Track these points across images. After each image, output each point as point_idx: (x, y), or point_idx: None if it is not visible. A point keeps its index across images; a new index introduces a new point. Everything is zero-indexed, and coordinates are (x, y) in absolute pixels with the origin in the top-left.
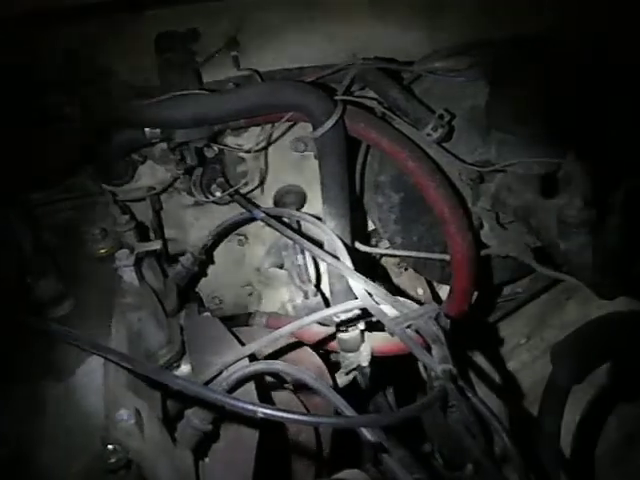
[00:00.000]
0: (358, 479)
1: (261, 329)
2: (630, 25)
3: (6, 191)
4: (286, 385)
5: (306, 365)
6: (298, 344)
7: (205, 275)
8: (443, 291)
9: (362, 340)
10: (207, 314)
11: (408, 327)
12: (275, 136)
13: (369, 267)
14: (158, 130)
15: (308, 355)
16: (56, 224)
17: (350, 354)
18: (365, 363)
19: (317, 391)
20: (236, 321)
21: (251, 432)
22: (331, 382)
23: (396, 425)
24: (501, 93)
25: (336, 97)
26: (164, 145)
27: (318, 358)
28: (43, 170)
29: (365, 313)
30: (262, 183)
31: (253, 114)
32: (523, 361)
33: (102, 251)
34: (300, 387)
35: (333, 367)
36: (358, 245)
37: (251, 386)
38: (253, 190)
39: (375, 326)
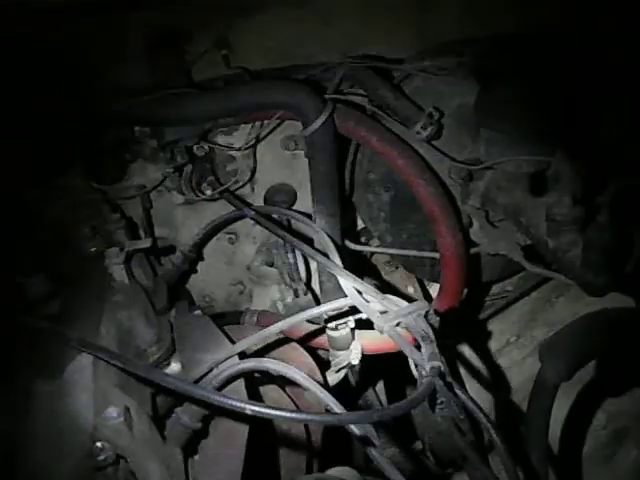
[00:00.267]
0: (349, 476)
1: (251, 327)
2: (617, 22)
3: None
4: (276, 383)
5: (296, 363)
6: (288, 342)
7: (195, 273)
8: (433, 289)
9: (352, 338)
10: (198, 312)
11: (397, 325)
12: (265, 135)
13: (359, 265)
14: (148, 129)
15: (298, 353)
16: (46, 222)
17: (340, 352)
18: (355, 361)
19: (306, 389)
20: (226, 319)
21: (241, 430)
22: (321, 380)
23: (386, 422)
24: (490, 91)
25: (326, 96)
26: (154, 144)
27: (308, 356)
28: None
29: (355, 311)
30: (252, 182)
31: (243, 112)
32: (513, 359)
33: (92, 249)
34: (290, 385)
35: (323, 365)
36: (348, 243)
37: (241, 384)
38: (242, 187)
39: (365, 324)
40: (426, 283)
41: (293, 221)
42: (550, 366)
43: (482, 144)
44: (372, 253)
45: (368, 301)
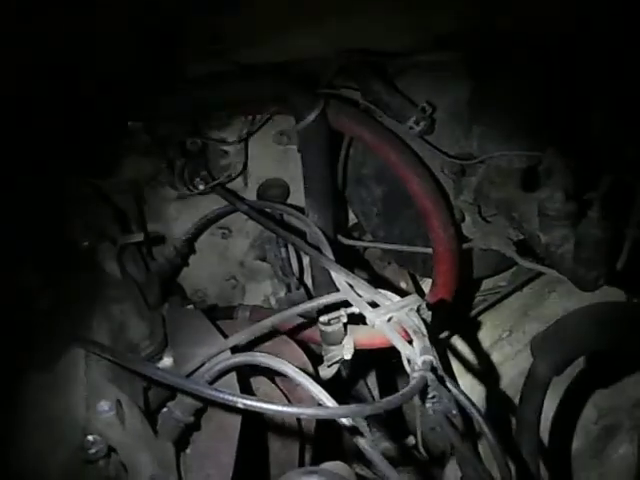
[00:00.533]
0: (341, 470)
1: (244, 322)
2: (611, 18)
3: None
4: (268, 377)
5: (288, 357)
6: (281, 337)
7: (188, 268)
8: (426, 285)
9: (345, 333)
10: (190, 307)
11: (389, 319)
12: (258, 129)
13: (352, 261)
14: (141, 123)
15: (290, 348)
16: (38, 216)
17: (333, 347)
18: (348, 356)
19: (298, 383)
20: (219, 314)
21: (233, 423)
22: (314, 375)
23: (378, 416)
24: (483, 87)
25: (319, 90)
26: (148, 138)
27: (300, 350)
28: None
29: (347, 305)
30: (245, 176)
31: (235, 106)
32: (505, 354)
33: (85, 243)
34: (282, 379)
35: (316, 359)
36: (341, 238)
37: (233, 378)
38: (235, 182)
39: (358, 319)
40: (419, 278)
41: (286, 216)
42: (542, 360)
43: (475, 139)
44: (365, 248)
45: (360, 295)
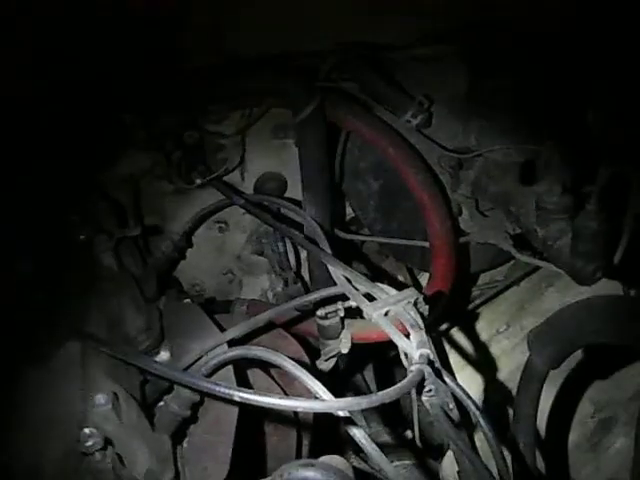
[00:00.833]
0: (338, 464)
1: (241, 316)
2: (612, 10)
3: None
4: (264, 371)
5: (285, 352)
6: (277, 331)
7: (185, 262)
8: (423, 278)
9: (342, 327)
10: (187, 301)
11: (387, 313)
12: (255, 122)
13: (349, 255)
14: (138, 116)
15: (287, 342)
16: (35, 211)
17: (330, 341)
18: (345, 350)
19: (295, 376)
20: (216, 308)
21: (229, 417)
22: (311, 368)
23: (375, 409)
24: (482, 80)
25: (316, 84)
26: (145, 131)
27: (297, 344)
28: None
29: (344, 299)
30: (242, 170)
31: (233, 99)
32: (502, 348)
33: (82, 237)
34: (279, 373)
35: (313, 353)
36: (338, 232)
37: (230, 371)
38: (232, 176)
39: (355, 312)
40: (416, 272)
41: (283, 210)
42: (539, 354)
43: (473, 133)
44: (362, 242)
45: (357, 289)
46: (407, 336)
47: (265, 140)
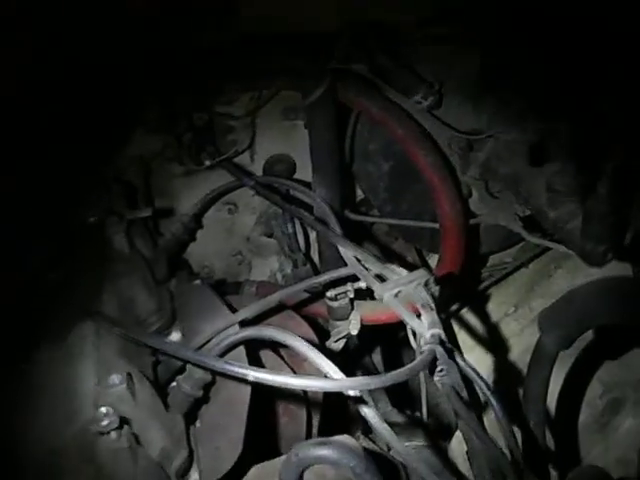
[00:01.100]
0: (348, 444)
1: (251, 297)
2: None
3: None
4: (274, 351)
5: (295, 333)
6: (287, 312)
7: (195, 244)
8: (433, 260)
9: (352, 308)
10: (197, 282)
11: (397, 293)
12: (265, 104)
13: (359, 236)
14: (149, 97)
15: (296, 322)
16: (48, 192)
17: (339, 322)
18: (355, 331)
19: (306, 356)
20: (226, 289)
21: (242, 397)
22: (321, 348)
23: (386, 390)
24: (494, 61)
25: (326, 65)
26: (155, 113)
27: (307, 326)
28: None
29: (354, 280)
30: (252, 152)
31: (242, 79)
32: (511, 330)
33: (93, 219)
34: (289, 354)
35: (323, 335)
36: (348, 214)
37: (242, 351)
38: (242, 158)
39: (366, 293)
40: (425, 254)
41: (292, 191)
42: (549, 334)
43: (484, 114)
44: (372, 224)
45: (368, 270)
46: (418, 317)
47: (275, 122)
